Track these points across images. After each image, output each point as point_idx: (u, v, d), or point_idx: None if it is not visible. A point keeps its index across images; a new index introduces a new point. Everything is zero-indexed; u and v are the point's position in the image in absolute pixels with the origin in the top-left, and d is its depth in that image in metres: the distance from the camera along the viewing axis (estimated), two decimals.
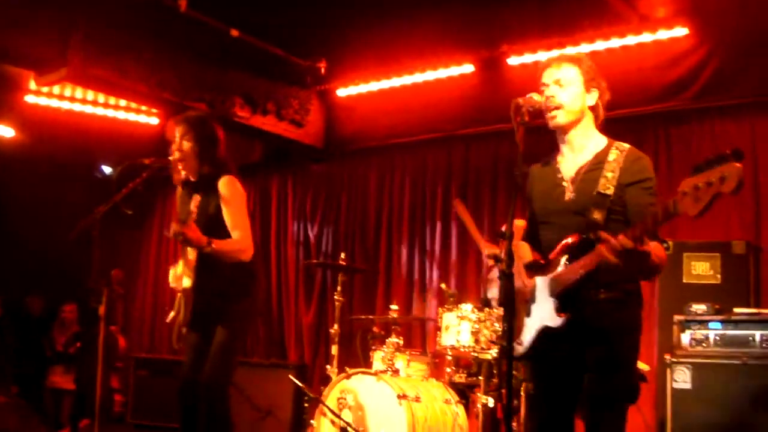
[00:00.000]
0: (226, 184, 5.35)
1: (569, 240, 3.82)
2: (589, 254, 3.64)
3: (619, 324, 3.81)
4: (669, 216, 3.34)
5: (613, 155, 3.89)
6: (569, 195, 3.96)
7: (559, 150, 4.13)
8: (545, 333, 3.85)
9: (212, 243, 5.11)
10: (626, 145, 3.95)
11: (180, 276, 5.42)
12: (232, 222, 5.31)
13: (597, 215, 3.74)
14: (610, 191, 3.79)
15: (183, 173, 5.45)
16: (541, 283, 3.92)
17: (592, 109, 4.04)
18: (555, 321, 3.79)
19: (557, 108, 3.96)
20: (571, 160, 4.05)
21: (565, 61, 4.07)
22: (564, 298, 3.80)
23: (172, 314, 5.45)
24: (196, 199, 5.07)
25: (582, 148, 4.02)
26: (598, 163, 3.91)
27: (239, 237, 5.30)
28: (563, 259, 3.83)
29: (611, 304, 3.79)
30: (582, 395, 3.90)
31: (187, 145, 5.37)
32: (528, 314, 3.95)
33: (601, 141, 4.03)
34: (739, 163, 3.13)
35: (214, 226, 5.26)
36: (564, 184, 4.00)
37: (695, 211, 3.23)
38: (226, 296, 5.36)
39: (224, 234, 5.28)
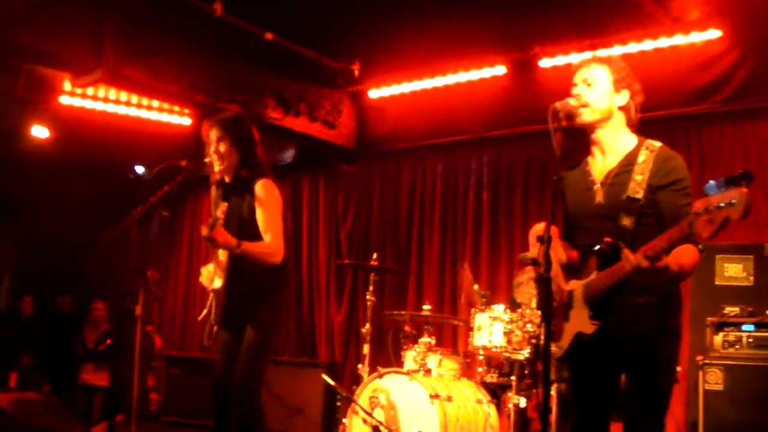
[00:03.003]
0: (262, 187, 5.34)
1: (600, 245, 3.78)
2: (616, 265, 3.63)
3: (656, 327, 3.79)
4: (685, 237, 3.33)
5: (642, 156, 3.86)
6: (599, 198, 3.94)
7: (590, 151, 4.11)
8: (580, 338, 3.86)
9: (242, 245, 5.10)
10: (657, 144, 3.91)
11: (212, 275, 5.45)
12: (264, 225, 5.29)
13: (626, 221, 3.72)
14: (640, 195, 3.75)
15: (218, 175, 5.46)
16: (578, 287, 3.92)
17: (624, 110, 4.01)
18: (588, 328, 3.80)
19: (583, 106, 3.96)
20: (601, 162, 4.04)
21: (595, 62, 4.08)
22: (597, 305, 3.79)
23: (204, 312, 5.48)
24: (223, 206, 5.02)
25: (612, 148, 4.00)
26: (628, 165, 3.89)
27: (270, 240, 5.27)
28: (594, 266, 3.82)
29: (647, 308, 3.77)
30: (619, 398, 3.92)
31: (224, 147, 5.36)
32: (566, 318, 3.95)
33: (631, 141, 3.99)
34: (746, 188, 3.12)
35: (247, 228, 5.28)
36: (594, 187, 3.98)
37: (708, 233, 3.19)
38: (256, 297, 5.35)
39: (257, 237, 5.27)
